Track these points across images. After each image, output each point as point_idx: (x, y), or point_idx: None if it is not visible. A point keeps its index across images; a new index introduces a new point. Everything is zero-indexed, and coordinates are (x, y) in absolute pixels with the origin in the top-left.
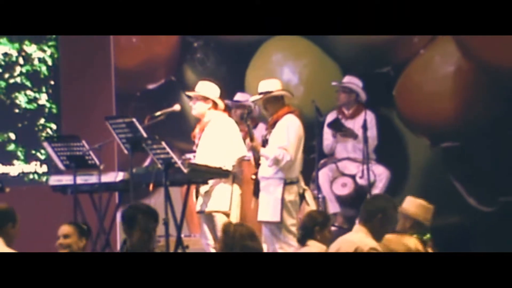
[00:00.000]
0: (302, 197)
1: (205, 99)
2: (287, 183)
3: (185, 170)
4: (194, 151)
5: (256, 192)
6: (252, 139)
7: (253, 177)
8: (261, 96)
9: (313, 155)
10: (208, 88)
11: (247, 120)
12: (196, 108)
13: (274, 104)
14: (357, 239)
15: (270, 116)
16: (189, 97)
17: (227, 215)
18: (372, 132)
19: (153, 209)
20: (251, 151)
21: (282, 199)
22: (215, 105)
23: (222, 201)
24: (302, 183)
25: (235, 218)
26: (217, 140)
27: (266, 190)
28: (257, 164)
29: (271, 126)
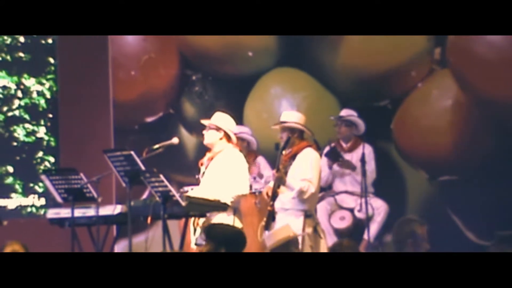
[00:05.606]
0: (315, 230)
1: (218, 129)
2: (307, 215)
3: (183, 203)
4: (197, 181)
5: (268, 225)
6: (278, 169)
7: (269, 208)
8: (296, 124)
9: None
10: (222, 119)
11: (284, 149)
12: (208, 137)
13: (298, 136)
14: None
15: (287, 147)
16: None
17: None
18: (370, 166)
19: (240, 244)
20: (273, 182)
21: (303, 231)
22: (227, 137)
23: None
24: (316, 216)
25: None
26: (223, 173)
27: (284, 222)
28: (273, 196)
29: (290, 158)
